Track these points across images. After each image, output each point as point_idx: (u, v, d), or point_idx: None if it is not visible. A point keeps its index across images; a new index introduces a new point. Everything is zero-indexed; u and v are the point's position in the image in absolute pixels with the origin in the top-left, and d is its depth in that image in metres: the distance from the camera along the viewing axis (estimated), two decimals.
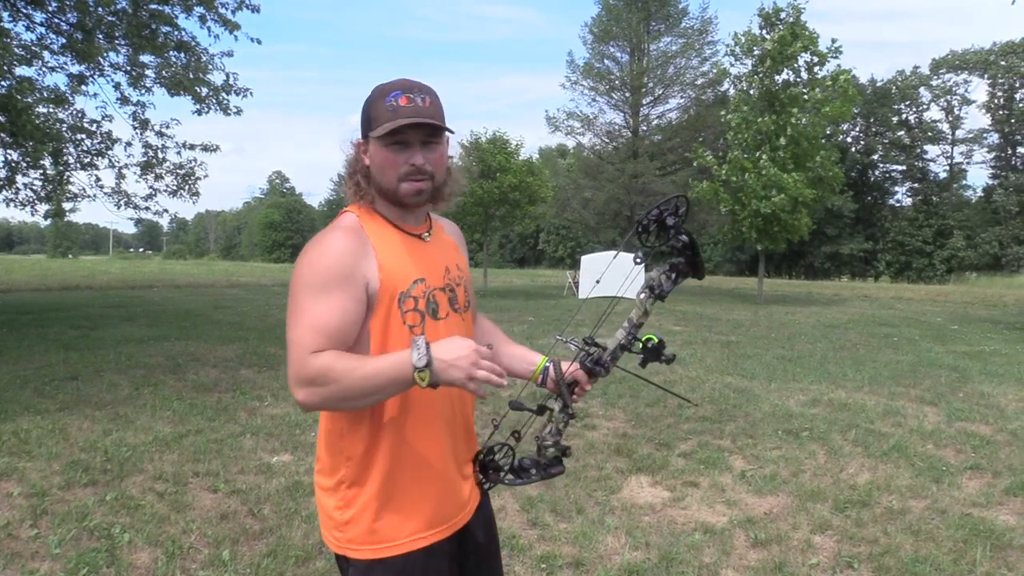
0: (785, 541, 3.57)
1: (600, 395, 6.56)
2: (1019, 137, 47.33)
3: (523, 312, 16.22)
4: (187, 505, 3.86)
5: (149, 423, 5.45)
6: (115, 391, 6.57)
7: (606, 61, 34.61)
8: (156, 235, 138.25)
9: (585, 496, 4.14)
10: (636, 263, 1.46)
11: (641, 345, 1.56)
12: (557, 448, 1.60)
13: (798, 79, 21.32)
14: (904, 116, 50.35)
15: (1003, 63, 44.56)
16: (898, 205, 51.81)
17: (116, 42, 11.80)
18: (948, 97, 49.05)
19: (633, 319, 1.52)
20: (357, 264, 1.40)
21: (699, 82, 33.96)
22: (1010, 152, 48.45)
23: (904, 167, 50.83)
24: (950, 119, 49.67)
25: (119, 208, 13.79)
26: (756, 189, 19.91)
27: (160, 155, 13.49)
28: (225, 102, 12.52)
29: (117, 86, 12.76)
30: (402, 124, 1.40)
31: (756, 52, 21.18)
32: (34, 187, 13.45)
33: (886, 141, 50.55)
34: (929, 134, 49.82)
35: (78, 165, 13.28)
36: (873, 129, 50.76)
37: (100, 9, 11.00)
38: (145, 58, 12.08)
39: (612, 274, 1.97)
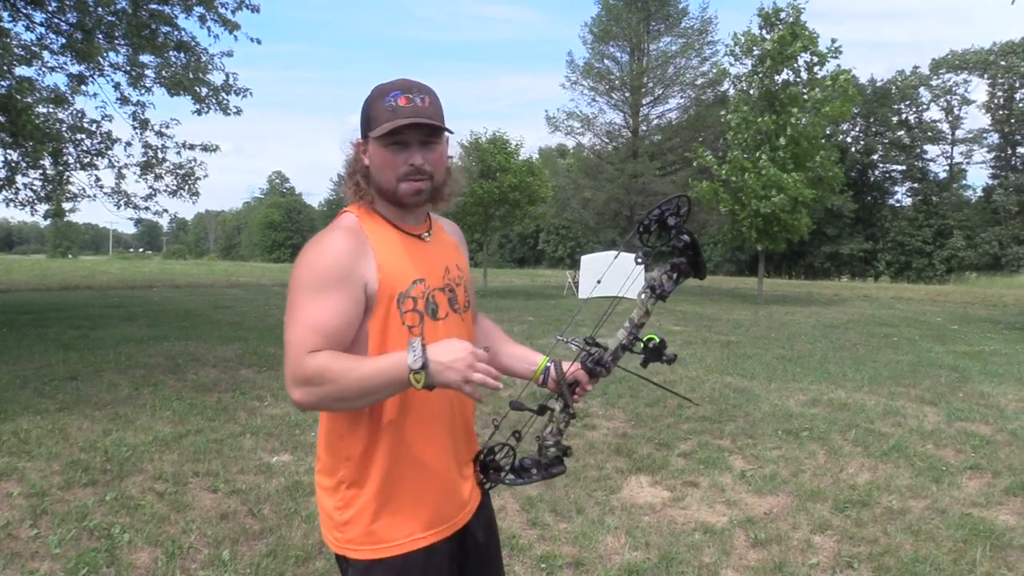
0: (785, 541, 3.57)
1: (600, 395, 6.56)
2: (1019, 137, 47.34)
3: (523, 312, 16.22)
4: (187, 505, 3.86)
5: (149, 423, 5.44)
6: (115, 391, 6.57)
7: (606, 61, 34.66)
8: (156, 235, 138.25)
9: (585, 496, 4.14)
10: (637, 263, 1.46)
11: (642, 345, 1.55)
12: (558, 448, 1.60)
13: (798, 79, 21.32)
14: (904, 116, 50.36)
15: (1003, 63, 44.58)
16: (898, 205, 51.86)
17: (116, 42, 11.80)
18: (948, 97, 49.08)
19: (634, 319, 1.52)
20: (356, 264, 1.40)
21: (699, 82, 33.99)
22: (1010, 152, 48.45)
23: (904, 167, 50.85)
24: (950, 119, 49.71)
25: (119, 208, 13.82)
26: (756, 189, 19.92)
27: (160, 155, 13.50)
28: (225, 102, 12.53)
29: (117, 86, 12.79)
30: (401, 124, 1.40)
31: (756, 52, 21.18)
32: (34, 187, 13.47)
33: (886, 141, 50.55)
34: (929, 134, 49.84)
35: (78, 165, 13.29)
36: (873, 129, 50.77)
37: (100, 9, 11.01)
38: (145, 58, 12.10)
39: (613, 274, 1.97)
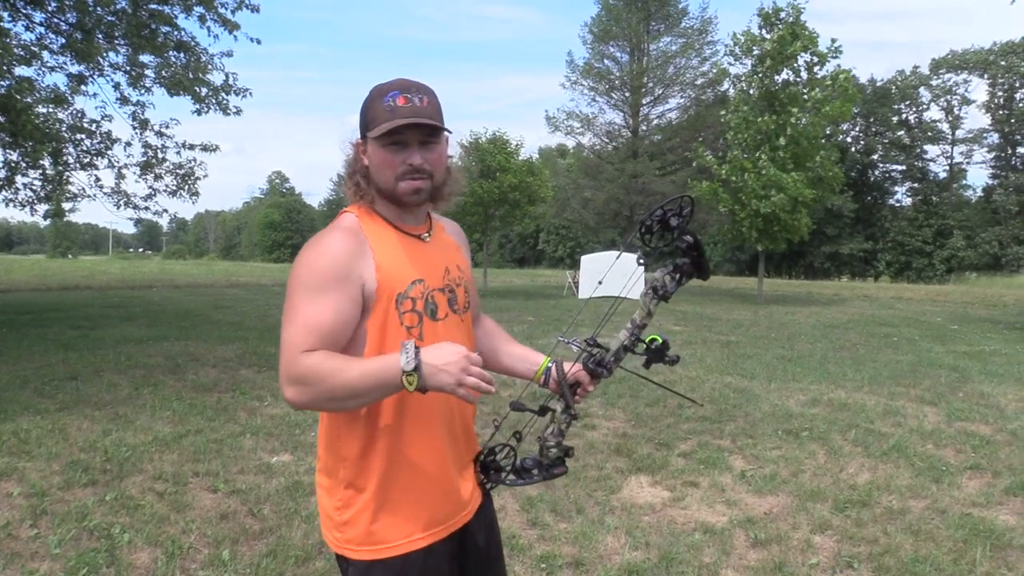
0: (785, 541, 3.56)
1: (600, 395, 6.56)
2: (1019, 137, 47.33)
3: (523, 312, 16.22)
4: (187, 505, 3.86)
5: (149, 423, 5.44)
6: (115, 391, 6.57)
7: (606, 61, 34.64)
8: (156, 235, 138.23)
9: (585, 496, 4.14)
10: (639, 264, 1.46)
11: (645, 346, 1.55)
12: (560, 449, 1.60)
13: (798, 79, 21.32)
14: (904, 116, 50.35)
15: (1003, 63, 44.57)
16: (898, 205, 51.86)
17: (116, 42, 11.80)
18: (948, 97, 49.08)
19: (636, 320, 1.51)
20: (354, 265, 1.40)
21: (699, 82, 33.99)
22: (1010, 152, 48.45)
23: (904, 167, 50.84)
24: (950, 119, 49.71)
25: (119, 208, 13.81)
26: (756, 189, 19.91)
27: (160, 155, 13.49)
28: (225, 102, 12.52)
29: (117, 86, 12.78)
30: (399, 124, 1.39)
31: (756, 52, 21.18)
32: (34, 187, 13.46)
33: (886, 141, 50.55)
34: (929, 134, 49.83)
35: (78, 165, 13.29)
36: (873, 129, 50.76)
37: (100, 9, 11.01)
38: (145, 58, 12.09)
39: (613, 274, 1.97)
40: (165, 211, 14.89)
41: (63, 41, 11.62)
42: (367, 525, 1.46)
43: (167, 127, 13.45)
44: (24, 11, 11.26)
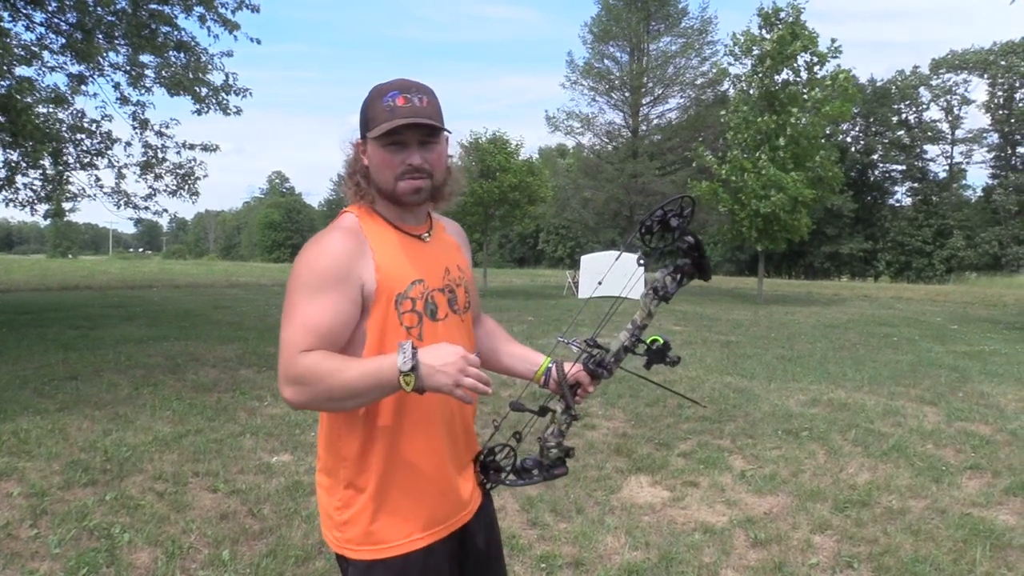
0: (785, 541, 3.57)
1: (600, 395, 6.56)
2: (1019, 137, 47.31)
3: (523, 312, 16.22)
4: (187, 505, 3.86)
5: (149, 423, 5.44)
6: (115, 391, 6.57)
7: (606, 61, 34.62)
8: (156, 235, 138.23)
9: (585, 496, 4.14)
10: (639, 264, 1.46)
11: (645, 347, 1.55)
12: (560, 449, 1.60)
13: (798, 79, 21.31)
14: (904, 116, 50.33)
15: (1003, 63, 44.54)
16: (898, 205, 51.83)
17: (116, 42, 11.80)
18: (948, 97, 49.04)
19: (637, 320, 1.51)
20: (353, 265, 1.40)
21: (699, 82, 33.96)
22: (1010, 152, 48.43)
23: (904, 167, 50.82)
24: (950, 119, 49.68)
25: (119, 208, 13.82)
26: (756, 189, 19.91)
27: (160, 155, 13.50)
28: (225, 102, 12.53)
29: (117, 86, 12.79)
30: (399, 124, 1.40)
31: (756, 52, 21.17)
32: (34, 187, 13.46)
33: (886, 141, 50.53)
34: (929, 134, 49.81)
35: (78, 165, 13.29)
36: (873, 129, 50.74)
37: (100, 9, 11.01)
38: (145, 58, 12.10)
39: (613, 275, 1.97)
40: (165, 211, 14.93)
41: (63, 41, 11.63)
42: (367, 525, 1.46)
43: (167, 127, 13.47)
44: (24, 11, 11.26)
